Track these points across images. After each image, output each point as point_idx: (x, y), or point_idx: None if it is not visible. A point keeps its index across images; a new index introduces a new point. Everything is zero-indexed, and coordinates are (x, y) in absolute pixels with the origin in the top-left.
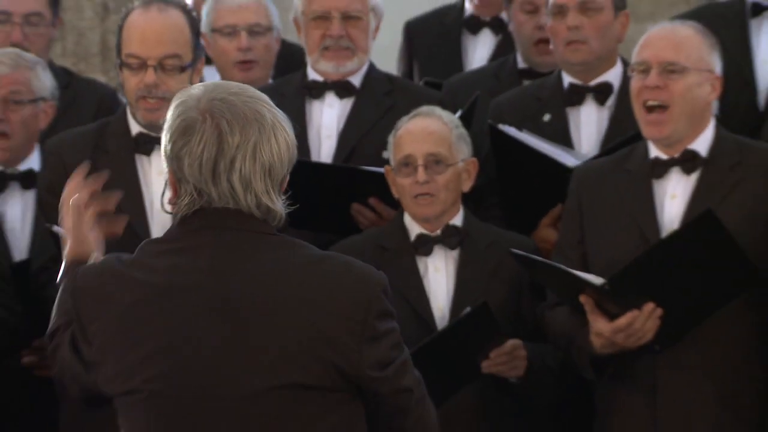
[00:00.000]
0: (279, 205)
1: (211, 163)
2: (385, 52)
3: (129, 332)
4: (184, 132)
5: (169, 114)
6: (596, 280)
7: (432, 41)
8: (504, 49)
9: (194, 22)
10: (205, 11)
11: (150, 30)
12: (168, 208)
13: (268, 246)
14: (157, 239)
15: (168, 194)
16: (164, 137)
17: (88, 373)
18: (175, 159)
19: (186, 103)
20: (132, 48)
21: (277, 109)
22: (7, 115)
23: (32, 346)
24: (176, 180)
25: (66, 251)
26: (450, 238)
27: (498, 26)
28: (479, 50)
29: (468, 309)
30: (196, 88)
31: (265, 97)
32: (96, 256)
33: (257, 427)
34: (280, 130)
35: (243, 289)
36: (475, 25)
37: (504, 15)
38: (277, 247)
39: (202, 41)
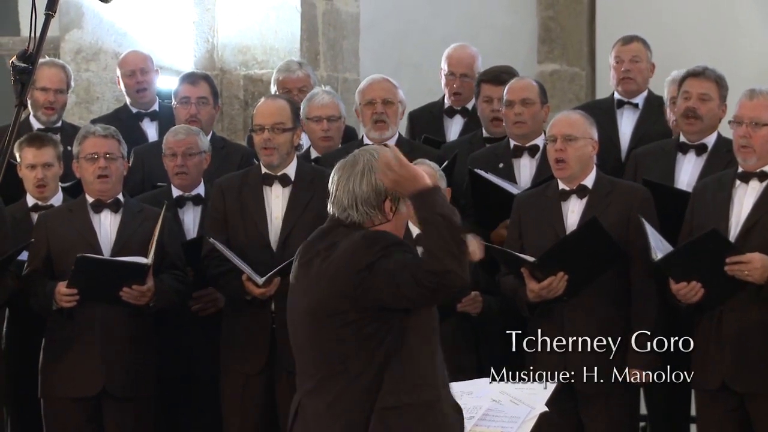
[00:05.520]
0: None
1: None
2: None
3: None
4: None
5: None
6: (530, 259)
7: (425, 122)
8: (470, 126)
9: (294, 106)
10: (302, 106)
11: (266, 108)
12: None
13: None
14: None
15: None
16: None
17: None
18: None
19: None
20: (257, 120)
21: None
22: (185, 162)
23: (193, 296)
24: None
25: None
26: None
27: (466, 113)
28: (454, 127)
29: None
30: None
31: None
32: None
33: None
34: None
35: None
36: (451, 111)
37: (469, 105)
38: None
39: (301, 123)
